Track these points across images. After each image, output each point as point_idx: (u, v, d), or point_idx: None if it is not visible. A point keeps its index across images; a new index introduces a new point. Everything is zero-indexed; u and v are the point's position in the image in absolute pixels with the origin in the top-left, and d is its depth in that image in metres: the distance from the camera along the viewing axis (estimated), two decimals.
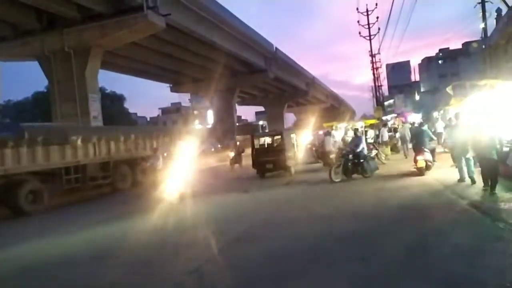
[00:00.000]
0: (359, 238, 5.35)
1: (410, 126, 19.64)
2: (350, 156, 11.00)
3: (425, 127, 12.50)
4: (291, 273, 4.26)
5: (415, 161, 10.48)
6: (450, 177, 9.26)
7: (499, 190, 7.21)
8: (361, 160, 11.02)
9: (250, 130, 28.30)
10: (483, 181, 7.65)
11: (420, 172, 10.23)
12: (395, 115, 38.66)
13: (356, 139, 11.71)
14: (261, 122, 29.41)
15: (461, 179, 8.68)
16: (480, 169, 7.77)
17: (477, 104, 10.59)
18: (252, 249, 5.35)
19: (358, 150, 11.05)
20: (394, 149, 18.12)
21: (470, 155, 8.37)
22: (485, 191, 7.46)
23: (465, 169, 8.54)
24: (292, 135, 15.76)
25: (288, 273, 4.29)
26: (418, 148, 10.81)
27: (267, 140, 16.10)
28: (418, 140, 11.40)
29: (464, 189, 8.10)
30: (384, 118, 29.47)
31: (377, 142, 16.34)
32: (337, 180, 10.60)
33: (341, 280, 3.98)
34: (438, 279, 3.75)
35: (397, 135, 19.20)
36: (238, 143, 20.88)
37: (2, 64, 31.64)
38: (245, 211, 8.41)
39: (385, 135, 17.79)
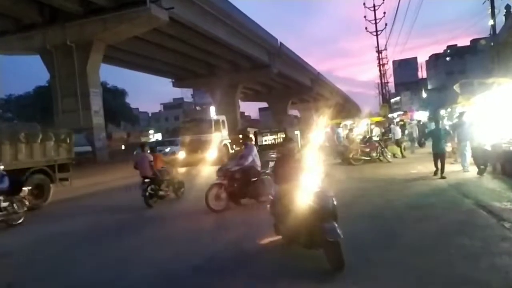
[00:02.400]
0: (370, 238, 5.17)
1: (417, 123, 19.18)
2: (238, 174, 7.67)
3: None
4: None
5: None
6: (452, 177, 9.45)
7: (505, 190, 7.58)
8: (253, 179, 7.77)
9: (198, 127, 20.58)
10: (478, 168, 9.53)
11: None
12: (402, 112, 38.27)
13: (244, 149, 8.19)
14: (215, 117, 21.78)
15: (465, 170, 10.07)
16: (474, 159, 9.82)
17: (484, 102, 10.57)
18: None
19: (247, 163, 7.79)
20: (400, 146, 17.74)
21: (468, 148, 10.05)
22: (480, 177, 9.21)
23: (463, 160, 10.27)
24: (296, 132, 15.52)
25: None
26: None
27: (271, 137, 15.84)
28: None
29: (469, 188, 8.12)
30: (390, 115, 29.11)
31: (382, 140, 15.98)
32: (218, 208, 7.46)
33: None
34: (442, 278, 3.71)
35: (405, 132, 18.83)
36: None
37: (4, 58, 31.62)
38: None
39: (398, 132, 16.92)
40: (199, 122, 21.85)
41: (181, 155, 17.78)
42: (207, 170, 14.42)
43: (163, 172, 9.19)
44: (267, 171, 8.03)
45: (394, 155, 15.54)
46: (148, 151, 9.38)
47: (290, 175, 4.48)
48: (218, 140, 19.32)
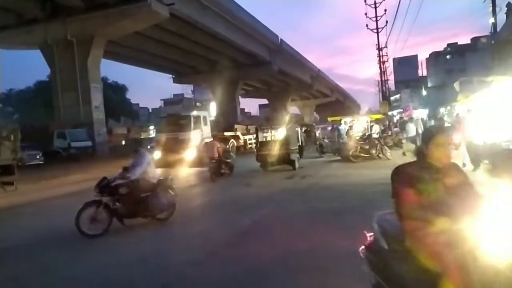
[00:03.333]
0: None
1: (422, 119, 19.00)
2: (123, 190, 6.18)
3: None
4: None
5: None
6: None
7: (504, 188, 7.49)
8: (143, 194, 6.27)
9: (175, 124, 18.68)
10: (472, 164, 9.84)
11: None
12: (401, 110, 38.32)
13: (136, 159, 6.55)
14: (195, 113, 19.92)
15: (464, 166, 10.22)
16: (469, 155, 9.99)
17: (483, 100, 10.62)
18: None
19: (135, 177, 6.25)
20: (399, 145, 17.76)
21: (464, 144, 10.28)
22: (478, 175, 9.36)
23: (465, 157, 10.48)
24: (297, 129, 15.54)
25: None
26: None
27: (271, 133, 15.77)
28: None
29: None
30: (390, 113, 29.18)
31: (382, 137, 16.00)
32: (93, 233, 5.79)
33: None
34: None
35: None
36: None
37: (5, 53, 31.60)
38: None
39: (412, 130, 15.89)
40: (177, 118, 19.96)
41: (156, 155, 15.96)
42: (185, 172, 14.02)
43: (225, 155, 12.50)
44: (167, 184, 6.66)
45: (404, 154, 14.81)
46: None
47: (442, 205, 2.13)
48: (198, 139, 17.61)
